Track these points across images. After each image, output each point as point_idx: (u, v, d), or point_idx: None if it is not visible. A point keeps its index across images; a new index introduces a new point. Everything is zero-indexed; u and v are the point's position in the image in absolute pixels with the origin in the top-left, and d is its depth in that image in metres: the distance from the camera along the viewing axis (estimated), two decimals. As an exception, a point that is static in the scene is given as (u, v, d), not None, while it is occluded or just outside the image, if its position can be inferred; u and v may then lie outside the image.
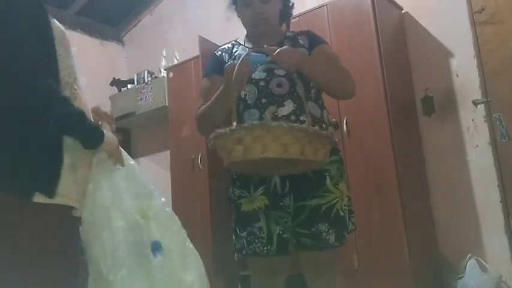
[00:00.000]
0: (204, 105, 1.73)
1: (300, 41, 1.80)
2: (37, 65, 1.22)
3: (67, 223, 1.28)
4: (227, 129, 1.37)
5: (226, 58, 1.81)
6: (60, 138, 1.27)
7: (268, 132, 1.32)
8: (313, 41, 1.81)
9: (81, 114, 1.28)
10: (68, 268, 1.26)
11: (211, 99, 1.68)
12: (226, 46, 1.88)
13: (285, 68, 1.62)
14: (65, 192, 1.25)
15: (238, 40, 1.88)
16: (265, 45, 1.60)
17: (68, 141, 1.28)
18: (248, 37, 1.86)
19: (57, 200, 1.23)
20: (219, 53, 1.85)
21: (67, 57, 1.35)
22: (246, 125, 1.36)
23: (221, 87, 1.62)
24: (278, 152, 1.32)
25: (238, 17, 1.85)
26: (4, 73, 1.18)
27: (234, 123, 1.40)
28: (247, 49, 1.79)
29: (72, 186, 1.28)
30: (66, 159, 1.27)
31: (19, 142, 1.21)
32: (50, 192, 1.21)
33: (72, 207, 1.29)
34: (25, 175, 1.20)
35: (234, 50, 1.83)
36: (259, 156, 1.33)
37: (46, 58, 1.27)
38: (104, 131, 1.35)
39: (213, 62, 1.86)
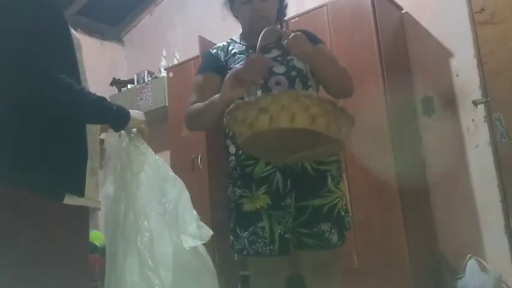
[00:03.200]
0: (199, 104, 1.69)
1: None
2: (60, 65, 1.24)
3: (87, 224, 1.30)
4: (252, 98, 1.28)
5: (222, 56, 1.79)
6: (84, 137, 1.28)
7: (297, 101, 1.22)
8: (311, 40, 1.79)
9: (104, 99, 1.30)
10: (86, 266, 1.27)
11: (206, 102, 1.64)
12: (221, 44, 1.86)
13: (297, 55, 1.60)
14: (89, 194, 1.27)
15: (233, 38, 1.86)
16: (283, 29, 1.59)
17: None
18: (244, 35, 1.84)
19: (84, 201, 1.26)
20: (214, 51, 1.83)
21: (81, 63, 1.38)
22: (273, 92, 1.27)
23: (222, 91, 1.56)
24: (306, 123, 1.22)
25: (234, 15, 1.82)
26: (33, 74, 1.18)
27: (259, 92, 1.33)
28: (244, 46, 1.78)
29: (95, 188, 1.31)
30: (88, 162, 1.29)
31: (48, 141, 1.22)
32: (80, 192, 1.22)
33: (88, 208, 1.30)
34: (56, 175, 1.21)
35: (230, 48, 1.81)
36: (287, 126, 1.22)
37: (68, 61, 1.30)
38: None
39: (208, 60, 1.83)
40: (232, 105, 1.30)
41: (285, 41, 1.56)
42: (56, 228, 1.19)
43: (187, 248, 1.43)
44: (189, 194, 1.52)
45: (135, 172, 1.39)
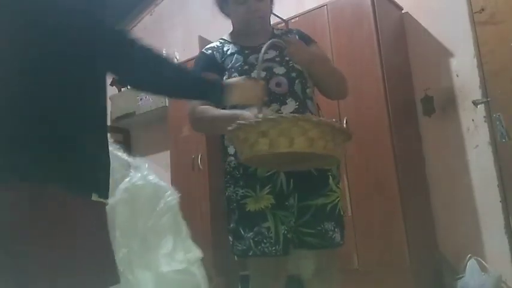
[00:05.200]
0: (208, 111, 1.64)
1: None
2: None
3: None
4: (252, 120, 1.33)
5: (219, 57, 1.77)
6: (106, 137, 1.25)
7: (296, 125, 1.27)
8: (304, 40, 1.78)
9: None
10: (113, 257, 1.25)
11: (219, 114, 1.61)
12: (214, 45, 1.83)
13: (299, 62, 1.60)
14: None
15: (224, 38, 1.84)
16: (283, 37, 1.60)
17: None
18: (236, 34, 1.82)
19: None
20: (209, 51, 1.79)
21: None
22: (273, 117, 1.31)
23: (233, 111, 1.55)
24: (304, 146, 1.27)
25: (226, 14, 1.80)
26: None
27: (260, 115, 1.35)
28: (239, 47, 1.77)
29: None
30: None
31: (87, 141, 1.18)
32: (105, 195, 1.19)
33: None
34: (86, 176, 1.16)
35: (225, 48, 1.79)
36: (286, 150, 1.28)
37: None
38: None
39: (204, 61, 1.79)
40: (234, 125, 1.34)
41: (286, 50, 1.57)
42: (90, 226, 1.17)
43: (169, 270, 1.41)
44: (180, 217, 1.49)
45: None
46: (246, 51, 1.74)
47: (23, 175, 1.07)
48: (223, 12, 1.82)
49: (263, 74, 1.66)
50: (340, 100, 2.76)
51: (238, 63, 1.71)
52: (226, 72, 1.71)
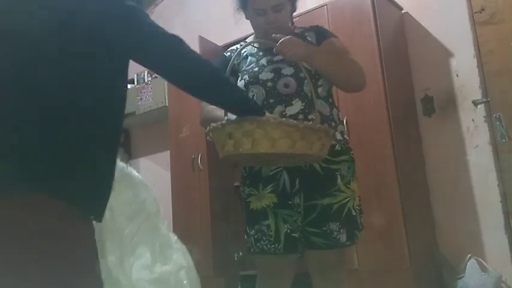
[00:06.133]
0: (210, 115, 1.65)
1: (308, 38, 1.79)
2: None
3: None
4: (219, 123, 1.39)
5: (235, 59, 1.77)
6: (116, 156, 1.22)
7: (258, 127, 1.31)
8: (321, 35, 1.80)
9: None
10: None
11: (220, 115, 1.58)
12: (235, 47, 1.86)
13: (290, 59, 1.59)
14: None
15: (246, 40, 1.86)
16: (273, 35, 1.59)
17: None
18: (256, 38, 1.84)
19: None
20: (228, 54, 1.83)
21: None
22: (234, 119, 1.35)
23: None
24: (267, 147, 1.32)
25: (247, 19, 1.82)
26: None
27: (226, 118, 1.40)
28: (255, 49, 1.79)
29: None
30: None
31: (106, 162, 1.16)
32: (100, 219, 1.16)
33: None
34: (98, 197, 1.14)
35: (243, 50, 1.81)
36: (249, 152, 1.33)
37: None
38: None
39: (219, 63, 1.79)
40: (208, 128, 1.42)
41: (274, 48, 1.56)
42: (93, 246, 1.15)
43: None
44: (160, 226, 1.50)
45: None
46: (260, 53, 1.77)
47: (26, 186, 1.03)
48: (246, 17, 1.83)
49: (271, 75, 1.68)
50: (340, 100, 2.77)
51: (250, 65, 1.75)
52: (239, 74, 1.74)
